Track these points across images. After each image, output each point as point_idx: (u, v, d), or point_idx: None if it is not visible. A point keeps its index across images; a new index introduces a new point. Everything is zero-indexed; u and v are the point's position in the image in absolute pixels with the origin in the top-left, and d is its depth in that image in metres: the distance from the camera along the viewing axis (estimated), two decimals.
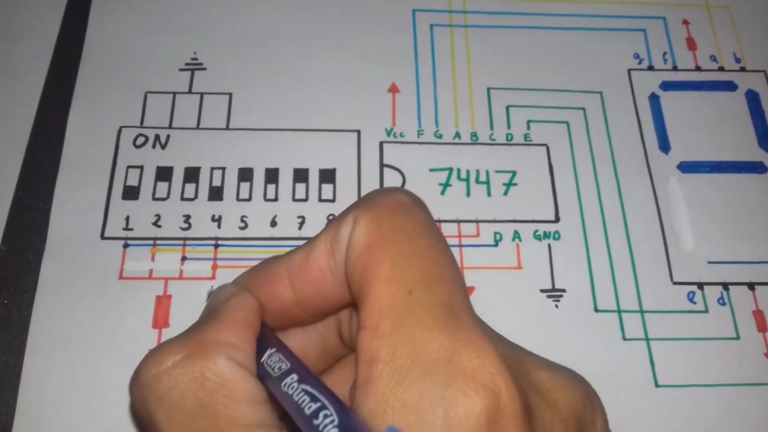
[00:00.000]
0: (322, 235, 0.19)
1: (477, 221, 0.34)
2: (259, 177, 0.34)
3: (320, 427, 0.15)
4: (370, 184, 0.35)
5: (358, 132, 0.36)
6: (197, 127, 0.36)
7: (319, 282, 0.18)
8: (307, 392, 0.17)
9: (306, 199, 0.34)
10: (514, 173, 0.35)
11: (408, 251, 0.17)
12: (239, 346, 0.18)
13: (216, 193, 0.34)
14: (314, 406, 0.16)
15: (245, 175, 0.34)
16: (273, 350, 0.19)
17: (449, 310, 0.16)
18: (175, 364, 0.17)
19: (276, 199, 0.34)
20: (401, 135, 0.36)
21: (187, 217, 0.33)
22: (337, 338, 0.21)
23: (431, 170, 0.35)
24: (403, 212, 0.18)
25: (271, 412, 0.18)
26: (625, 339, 0.32)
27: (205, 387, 0.17)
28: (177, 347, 0.18)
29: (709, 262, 0.34)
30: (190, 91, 0.36)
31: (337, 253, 0.18)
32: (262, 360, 0.18)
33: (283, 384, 0.17)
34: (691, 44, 0.40)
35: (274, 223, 0.33)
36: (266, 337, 0.19)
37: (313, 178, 0.35)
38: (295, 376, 0.17)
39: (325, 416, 0.16)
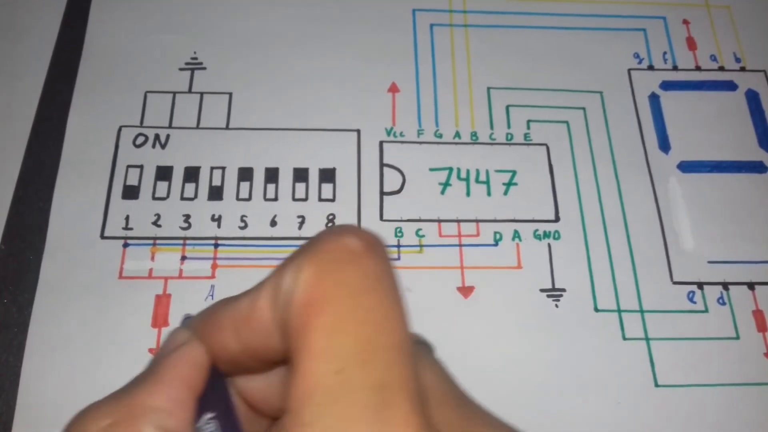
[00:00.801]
0: (266, 284, 0.17)
1: (477, 221, 0.34)
2: (259, 176, 0.34)
3: None
4: (370, 184, 0.35)
5: (358, 131, 0.36)
6: (197, 127, 0.36)
7: (265, 334, 0.17)
8: None
9: (306, 199, 0.34)
10: (514, 173, 0.35)
11: (348, 315, 0.15)
12: (172, 411, 0.17)
13: (216, 193, 0.34)
14: None
15: (245, 174, 0.34)
16: (211, 416, 0.17)
17: (382, 394, 0.14)
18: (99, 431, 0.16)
19: (276, 199, 0.34)
20: (401, 134, 0.36)
21: (187, 217, 0.33)
22: None
23: (431, 170, 0.35)
24: (349, 263, 0.16)
25: None
26: (625, 339, 0.32)
27: None
28: (104, 412, 0.16)
29: (709, 262, 0.34)
30: (190, 91, 0.36)
31: (280, 305, 0.16)
32: (198, 425, 0.17)
33: None
34: (691, 44, 0.40)
35: (274, 223, 0.33)
36: (213, 389, 0.18)
37: (313, 177, 0.35)
38: None
39: None
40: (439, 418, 0.16)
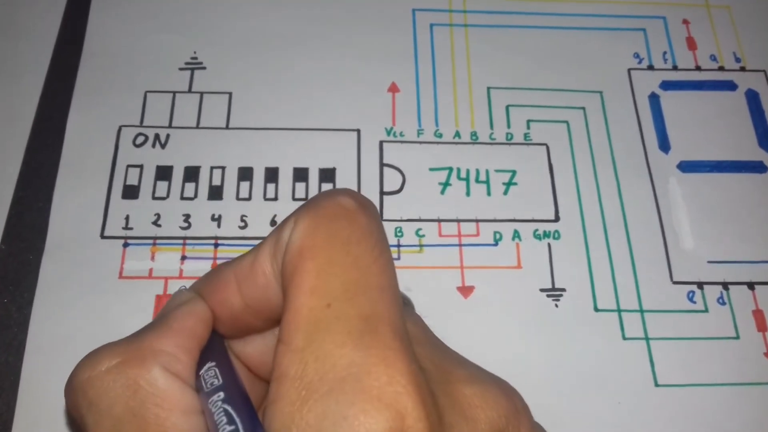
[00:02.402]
0: (267, 240, 0.18)
1: (477, 220, 0.34)
2: (258, 176, 0.34)
3: None
4: (370, 184, 0.35)
5: (358, 131, 0.36)
6: (197, 127, 0.36)
7: (265, 287, 0.18)
8: (226, 413, 0.17)
9: (306, 199, 0.34)
10: (513, 173, 0.35)
11: (338, 259, 0.16)
12: (178, 356, 0.18)
13: (216, 193, 0.34)
14: (228, 429, 0.16)
15: (245, 174, 0.34)
16: (212, 364, 0.18)
17: (367, 323, 0.15)
18: (109, 369, 0.17)
19: (276, 199, 0.34)
20: (401, 134, 0.36)
21: (187, 217, 0.33)
22: None
23: (431, 169, 0.35)
24: (342, 217, 0.17)
25: (205, 423, 0.18)
26: (624, 338, 0.32)
27: (137, 395, 0.17)
28: (113, 352, 0.18)
29: (709, 262, 0.34)
30: (189, 91, 0.37)
31: (278, 257, 0.17)
32: (200, 372, 0.18)
33: (209, 401, 0.17)
34: (691, 44, 0.40)
35: (274, 223, 0.33)
36: (213, 349, 0.19)
37: (313, 177, 0.35)
38: (221, 395, 0.17)
39: None
40: (419, 355, 0.17)
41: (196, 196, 0.34)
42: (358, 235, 0.17)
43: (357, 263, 0.16)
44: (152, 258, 0.32)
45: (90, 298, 0.31)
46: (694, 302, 0.33)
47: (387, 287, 0.17)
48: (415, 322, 0.20)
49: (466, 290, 0.32)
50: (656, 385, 0.31)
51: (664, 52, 0.40)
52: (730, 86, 0.39)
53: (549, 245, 0.34)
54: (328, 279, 0.16)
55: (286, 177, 0.34)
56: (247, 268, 0.18)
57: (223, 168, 0.34)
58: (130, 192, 0.34)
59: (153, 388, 0.17)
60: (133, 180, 0.34)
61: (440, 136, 0.36)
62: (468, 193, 0.35)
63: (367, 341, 0.15)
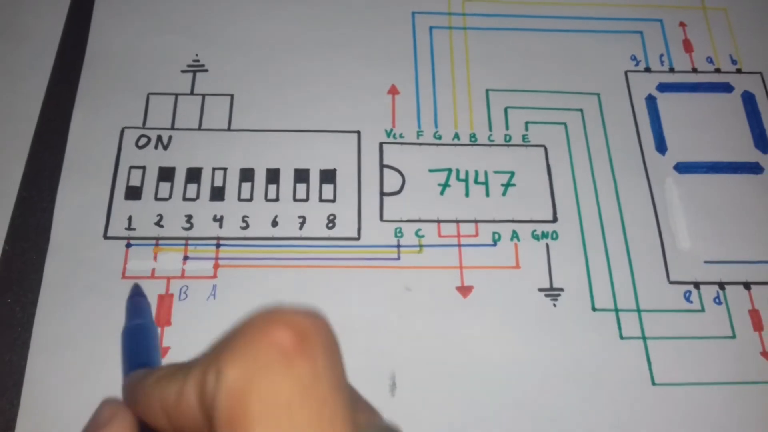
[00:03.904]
0: (192, 374, 0.15)
1: (476, 221, 0.34)
2: (260, 177, 0.35)
3: None
4: (370, 184, 0.35)
5: (358, 133, 0.36)
6: (199, 128, 0.36)
7: (192, 420, 0.15)
8: None
9: (307, 199, 0.34)
10: (512, 174, 0.36)
11: (280, 429, 0.13)
12: None
13: (218, 194, 0.34)
14: None
15: (246, 175, 0.35)
16: None
17: None
18: None
19: (277, 199, 0.34)
20: (401, 136, 0.36)
21: (189, 217, 0.33)
22: None
23: (430, 171, 0.36)
24: (279, 366, 0.14)
25: None
26: (622, 338, 0.32)
27: None
28: None
29: (706, 262, 0.34)
30: (192, 93, 0.37)
31: (205, 407, 0.15)
32: None
33: None
34: (688, 46, 0.40)
35: (275, 223, 0.34)
36: None
37: (314, 178, 0.35)
38: None
39: None
40: None
41: (198, 197, 0.34)
42: (300, 394, 0.14)
43: (307, 429, 0.13)
44: (155, 258, 0.32)
45: (93, 298, 0.31)
46: (691, 302, 0.33)
47: None
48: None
49: (465, 290, 0.33)
50: (653, 383, 0.31)
51: (661, 55, 0.40)
52: (727, 88, 0.39)
53: (547, 245, 0.34)
54: None
55: (287, 178, 0.35)
56: (172, 401, 0.16)
57: (224, 169, 0.35)
58: (133, 193, 0.34)
59: None
60: (135, 181, 0.34)
61: (439, 137, 0.37)
62: (467, 194, 0.35)
63: None
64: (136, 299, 0.27)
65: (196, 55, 0.38)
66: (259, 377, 0.14)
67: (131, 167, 0.35)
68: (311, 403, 0.14)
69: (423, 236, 0.34)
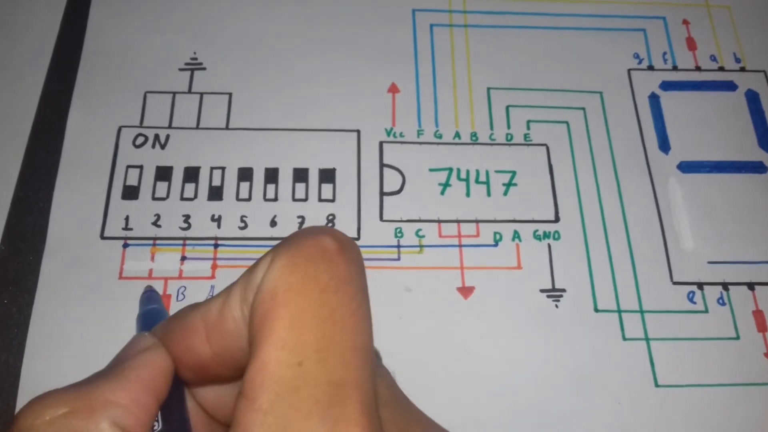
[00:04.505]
0: (238, 282, 0.17)
1: (477, 221, 0.34)
2: (258, 177, 0.34)
3: None
4: (369, 184, 0.35)
5: (358, 132, 0.36)
6: (197, 127, 0.36)
7: (235, 335, 0.16)
8: None
9: (306, 199, 0.34)
10: (513, 173, 0.35)
11: (313, 309, 0.15)
12: (131, 410, 0.16)
13: (216, 193, 0.34)
14: None
15: (245, 174, 0.34)
16: (159, 428, 0.17)
17: (337, 392, 0.15)
18: (54, 419, 0.16)
19: (276, 199, 0.34)
20: (401, 135, 0.36)
21: (187, 217, 0.33)
22: None
23: (431, 170, 0.35)
24: (322, 260, 0.16)
25: None
26: (625, 339, 0.32)
27: None
28: (62, 400, 0.16)
29: (709, 262, 0.34)
30: (189, 91, 0.37)
31: (249, 299, 0.16)
32: (154, 429, 0.17)
33: None
34: (691, 44, 0.40)
35: (273, 223, 0.33)
36: (173, 404, 0.18)
37: (313, 177, 0.35)
38: None
39: None
40: (386, 418, 0.16)
41: (196, 196, 0.34)
42: (337, 281, 0.16)
43: (333, 316, 0.15)
44: (152, 258, 0.32)
45: (90, 298, 0.31)
46: (695, 303, 0.33)
47: (361, 348, 0.15)
48: (383, 378, 0.19)
49: (466, 291, 0.32)
50: (656, 385, 0.31)
51: (664, 53, 0.40)
52: (730, 86, 0.39)
53: (549, 246, 0.34)
54: (301, 332, 0.15)
55: (286, 177, 0.34)
56: (215, 314, 0.17)
57: (223, 168, 0.34)
58: (130, 192, 0.34)
59: None
60: (133, 180, 0.34)
61: (440, 136, 0.36)
62: (468, 194, 0.35)
63: (334, 414, 0.14)
64: (149, 293, 0.27)
65: (194, 53, 0.38)
66: (304, 263, 0.16)
67: (128, 166, 0.34)
68: (344, 293, 0.15)
69: (423, 236, 0.34)
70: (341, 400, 0.15)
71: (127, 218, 0.33)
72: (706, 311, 0.33)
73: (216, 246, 0.33)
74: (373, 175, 0.35)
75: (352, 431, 0.14)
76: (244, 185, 0.34)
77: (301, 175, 0.35)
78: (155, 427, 0.17)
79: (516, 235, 0.34)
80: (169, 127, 0.35)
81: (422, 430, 0.18)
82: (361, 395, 0.15)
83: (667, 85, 0.39)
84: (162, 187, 0.34)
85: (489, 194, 0.35)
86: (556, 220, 0.34)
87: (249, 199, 0.34)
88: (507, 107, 0.37)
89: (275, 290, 0.15)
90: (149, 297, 0.27)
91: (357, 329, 0.15)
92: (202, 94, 0.36)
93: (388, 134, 0.36)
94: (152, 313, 0.25)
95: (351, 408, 0.15)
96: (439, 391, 0.30)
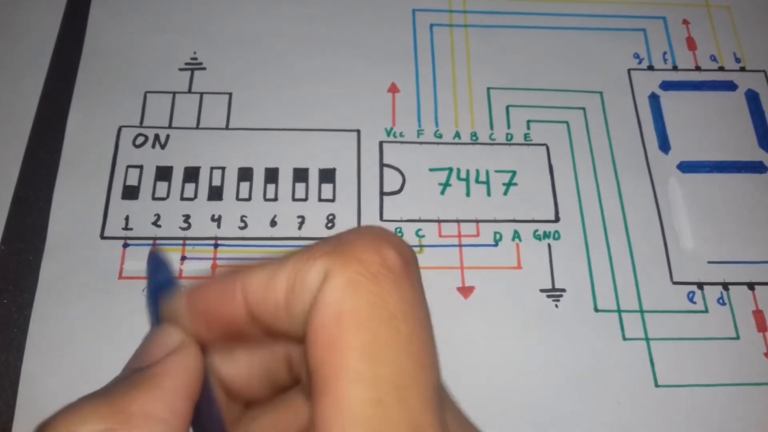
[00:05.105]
0: (287, 266, 0.15)
1: (477, 221, 0.34)
2: (258, 177, 0.34)
3: None
4: (369, 184, 0.35)
5: (358, 132, 0.36)
6: (197, 127, 0.36)
7: (274, 315, 0.16)
8: None
9: (306, 199, 0.34)
10: (513, 173, 0.35)
11: (386, 339, 0.14)
12: (171, 422, 0.15)
13: (216, 193, 0.34)
14: None
15: (245, 174, 0.34)
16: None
17: None
18: None
19: (276, 199, 0.34)
20: (401, 135, 0.36)
21: (187, 217, 0.33)
22: (285, 368, 0.18)
23: (431, 170, 0.35)
24: (388, 279, 0.14)
25: None
26: (625, 339, 0.32)
27: None
28: (97, 414, 0.15)
29: (709, 262, 0.34)
30: (189, 91, 0.36)
31: (299, 300, 0.15)
32: None
33: None
34: (691, 44, 0.40)
35: (273, 223, 0.33)
36: (203, 397, 0.17)
37: (313, 177, 0.35)
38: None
39: None
40: None
41: (195, 196, 0.34)
42: (406, 308, 0.14)
43: (407, 347, 0.14)
44: None
45: (90, 298, 0.31)
46: (695, 302, 0.33)
47: (435, 385, 0.14)
48: (450, 406, 0.18)
49: (466, 290, 0.32)
50: (656, 385, 0.31)
51: (664, 53, 0.40)
52: (730, 86, 0.39)
53: (549, 246, 0.34)
54: (378, 364, 0.14)
55: (286, 177, 0.34)
56: (258, 289, 0.16)
57: (222, 168, 0.34)
58: (130, 192, 0.34)
59: None
60: (132, 180, 0.34)
61: (440, 136, 0.36)
62: (468, 194, 0.35)
63: None
64: (156, 258, 0.25)
65: (194, 53, 0.38)
66: (370, 285, 0.14)
67: (128, 166, 0.34)
68: (416, 320, 0.14)
69: (423, 236, 0.34)
70: None
71: (127, 218, 0.33)
72: (706, 311, 0.33)
73: (216, 246, 0.33)
74: (373, 175, 0.35)
75: None
76: (244, 185, 0.34)
77: (301, 175, 0.35)
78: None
79: (516, 235, 0.34)
80: (169, 127, 0.35)
81: None
82: None
83: (667, 85, 0.39)
84: (162, 187, 0.34)
85: (489, 194, 0.35)
86: (556, 220, 0.34)
87: (249, 199, 0.34)
88: (507, 107, 0.37)
89: (340, 313, 0.14)
90: (157, 263, 0.26)
91: (431, 364, 0.14)
92: (202, 94, 0.36)
93: (388, 134, 0.36)
94: (165, 284, 0.24)
95: None
96: None
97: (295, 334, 0.16)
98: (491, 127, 0.37)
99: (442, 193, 0.35)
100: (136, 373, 0.16)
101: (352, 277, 0.14)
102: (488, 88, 0.38)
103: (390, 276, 0.15)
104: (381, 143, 0.36)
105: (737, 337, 0.32)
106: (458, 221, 0.34)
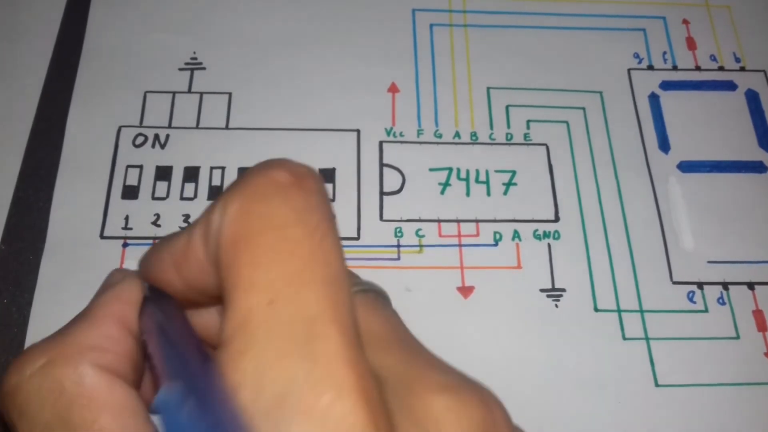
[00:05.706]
0: (198, 221, 0.16)
1: (477, 221, 0.34)
2: None
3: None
4: (369, 184, 0.35)
5: (358, 131, 0.36)
6: (197, 127, 0.36)
7: (202, 272, 0.16)
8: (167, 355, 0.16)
9: None
10: (513, 173, 0.35)
11: (275, 247, 0.14)
12: (108, 348, 0.16)
13: (216, 193, 0.34)
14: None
15: None
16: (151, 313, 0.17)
17: (312, 327, 0.14)
18: (34, 373, 0.16)
19: None
20: (401, 134, 0.36)
21: (187, 217, 0.33)
22: None
23: (431, 170, 0.35)
24: (275, 196, 0.15)
25: (144, 421, 0.16)
26: (624, 339, 0.32)
27: (63, 398, 0.15)
28: (37, 353, 0.16)
29: (709, 262, 0.34)
30: (189, 91, 0.36)
31: (210, 245, 0.16)
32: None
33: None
34: (691, 44, 0.40)
35: None
36: (167, 329, 0.17)
37: None
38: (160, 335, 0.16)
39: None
40: (382, 361, 0.16)
41: (195, 196, 0.34)
42: (295, 215, 0.15)
43: (296, 251, 0.15)
44: None
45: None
46: (694, 302, 0.33)
47: (333, 279, 0.15)
48: (386, 318, 0.18)
49: (466, 290, 0.32)
50: (656, 385, 0.31)
51: (664, 52, 0.40)
52: (730, 86, 0.39)
53: (549, 245, 0.34)
54: (268, 270, 0.14)
55: None
56: (180, 251, 0.17)
57: (222, 168, 0.34)
58: (130, 192, 0.34)
59: (79, 388, 0.16)
60: (132, 180, 0.34)
61: (440, 136, 0.36)
62: (468, 194, 0.35)
63: (313, 350, 0.13)
64: None
65: (194, 52, 0.38)
66: (258, 202, 0.15)
67: (128, 166, 0.34)
68: (306, 224, 0.15)
69: (423, 236, 0.34)
70: (319, 335, 0.14)
71: (126, 218, 0.33)
72: (706, 311, 0.33)
73: None
74: (372, 175, 0.35)
75: (335, 366, 0.13)
76: None
77: None
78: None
79: (516, 235, 0.34)
80: (169, 126, 0.35)
81: (430, 370, 0.16)
82: (340, 328, 0.14)
83: (667, 85, 0.39)
84: (162, 186, 0.34)
85: (489, 194, 0.35)
86: (556, 219, 0.34)
87: None
88: (507, 107, 0.37)
89: (234, 237, 0.15)
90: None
91: (325, 260, 0.15)
92: (201, 93, 0.36)
93: (388, 134, 0.36)
94: None
95: (329, 341, 0.14)
96: None
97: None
98: (491, 127, 0.37)
99: (442, 192, 0.35)
100: (80, 312, 0.18)
101: (241, 203, 0.15)
102: (488, 88, 0.38)
103: (278, 191, 0.15)
104: (381, 143, 0.36)
105: (737, 337, 0.32)
106: (458, 221, 0.34)
